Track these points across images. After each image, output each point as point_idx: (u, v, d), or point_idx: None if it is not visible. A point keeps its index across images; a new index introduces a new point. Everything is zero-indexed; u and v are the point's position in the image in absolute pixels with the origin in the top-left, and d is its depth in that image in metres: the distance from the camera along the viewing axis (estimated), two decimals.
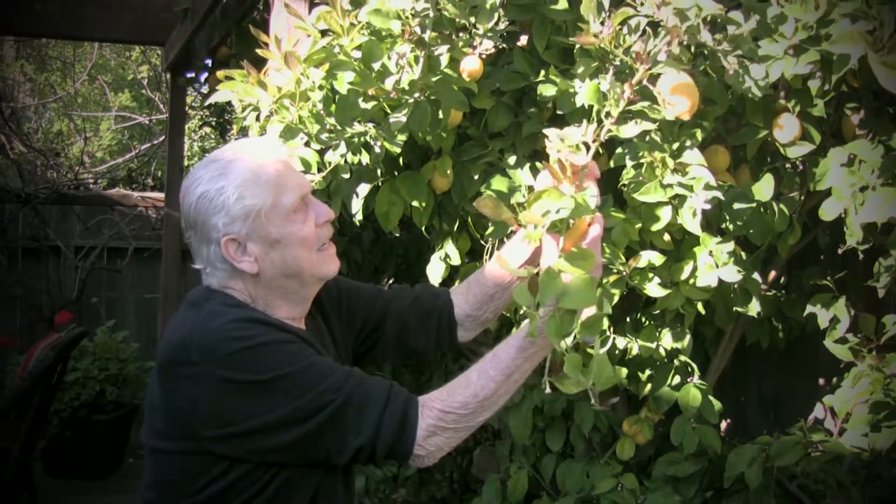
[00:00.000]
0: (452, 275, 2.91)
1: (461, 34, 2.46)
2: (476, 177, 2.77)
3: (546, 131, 1.83)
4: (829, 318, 2.86)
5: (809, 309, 2.90)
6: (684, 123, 2.40)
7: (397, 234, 3.75)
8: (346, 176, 2.65)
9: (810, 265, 3.16)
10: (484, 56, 2.52)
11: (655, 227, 2.55)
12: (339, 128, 2.47)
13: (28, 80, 10.76)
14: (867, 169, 2.43)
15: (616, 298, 2.62)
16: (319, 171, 2.54)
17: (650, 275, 2.63)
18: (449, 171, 2.77)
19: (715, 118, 2.58)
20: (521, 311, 2.78)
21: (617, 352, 2.78)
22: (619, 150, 2.47)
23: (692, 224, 2.47)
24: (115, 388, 5.84)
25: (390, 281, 3.93)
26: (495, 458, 3.37)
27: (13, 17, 5.67)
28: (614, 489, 2.79)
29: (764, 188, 2.60)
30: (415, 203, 2.75)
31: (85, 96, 11.39)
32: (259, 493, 1.74)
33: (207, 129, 9.83)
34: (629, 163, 2.46)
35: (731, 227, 2.62)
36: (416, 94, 2.43)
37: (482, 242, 2.81)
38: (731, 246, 2.61)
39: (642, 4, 2.12)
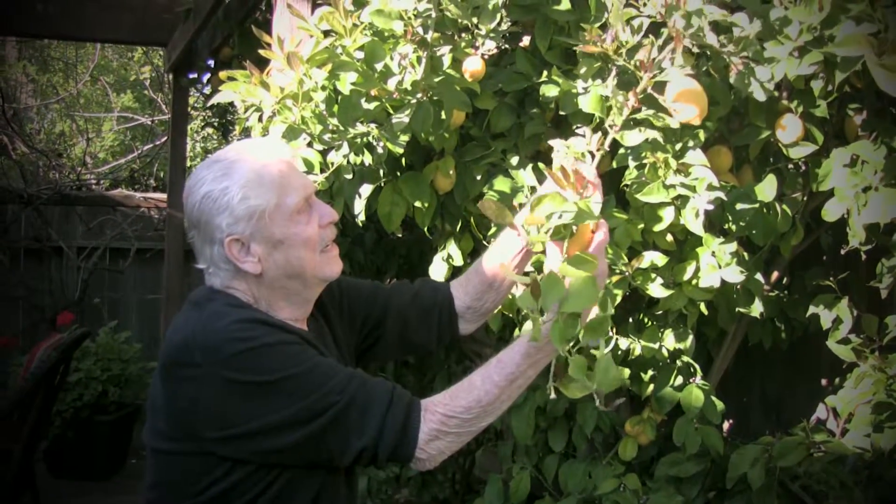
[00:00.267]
0: (455, 275, 2.91)
1: (463, 35, 2.46)
2: (478, 177, 2.77)
3: (551, 142, 1.83)
4: (831, 318, 2.86)
5: (812, 309, 2.90)
6: (687, 124, 2.40)
7: (400, 235, 3.75)
8: (349, 176, 2.65)
9: (813, 266, 3.16)
10: (486, 57, 2.52)
11: (658, 228, 2.55)
12: (341, 128, 2.48)
13: (30, 80, 10.77)
14: (870, 170, 2.43)
15: (619, 299, 2.62)
16: (322, 171, 2.54)
17: (653, 275, 2.63)
18: (451, 172, 2.77)
19: (718, 119, 2.58)
20: (524, 312, 2.78)
21: (619, 352, 2.78)
22: (621, 150, 2.47)
23: (695, 225, 2.47)
24: (118, 389, 5.84)
25: (392, 281, 3.93)
26: (497, 459, 3.36)
27: (15, 18, 5.67)
28: (617, 489, 2.79)
29: (767, 189, 2.60)
30: (417, 203, 2.75)
31: (87, 97, 11.39)
32: (261, 495, 1.74)
33: (210, 130, 9.84)
34: (632, 163, 2.46)
35: (733, 227, 2.62)
36: (419, 95, 2.43)
37: (484, 243, 2.81)
38: (733, 246, 2.61)
39: (644, 5, 2.12)
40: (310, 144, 2.52)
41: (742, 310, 2.76)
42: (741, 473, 2.69)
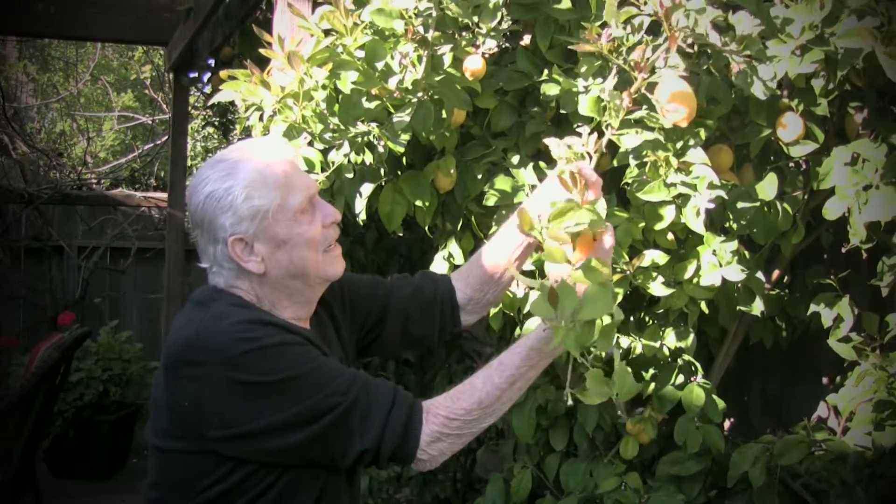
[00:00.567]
0: None
1: (464, 33, 2.47)
2: (479, 176, 2.77)
3: (546, 140, 1.84)
4: (832, 316, 2.86)
5: (813, 308, 2.90)
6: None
7: (401, 234, 3.76)
8: (350, 175, 2.65)
9: (814, 264, 3.16)
10: (487, 55, 2.52)
11: (659, 227, 2.55)
12: (342, 127, 2.48)
13: (31, 80, 10.76)
14: (870, 168, 2.43)
15: (620, 298, 2.62)
16: (323, 170, 2.54)
17: (654, 274, 2.64)
18: (452, 171, 2.77)
19: (718, 117, 2.58)
20: (525, 311, 2.78)
21: (620, 351, 2.78)
22: (622, 149, 2.47)
23: (696, 223, 2.47)
24: (119, 389, 5.84)
25: (398, 275, 3.92)
26: (499, 458, 3.37)
27: (15, 18, 5.67)
28: (618, 488, 2.79)
29: (767, 187, 2.60)
30: (418, 202, 2.75)
31: (87, 96, 11.39)
32: (263, 494, 1.74)
33: (210, 130, 9.83)
34: (633, 162, 2.46)
35: (734, 226, 2.62)
36: (420, 94, 2.43)
37: (485, 242, 2.81)
38: (734, 245, 2.61)
39: (645, 3, 2.12)
40: (311, 143, 2.52)
41: (743, 308, 2.77)
42: (742, 472, 2.69)
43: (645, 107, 2.24)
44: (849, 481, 2.65)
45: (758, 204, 2.60)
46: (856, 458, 2.73)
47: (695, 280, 2.64)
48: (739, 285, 2.72)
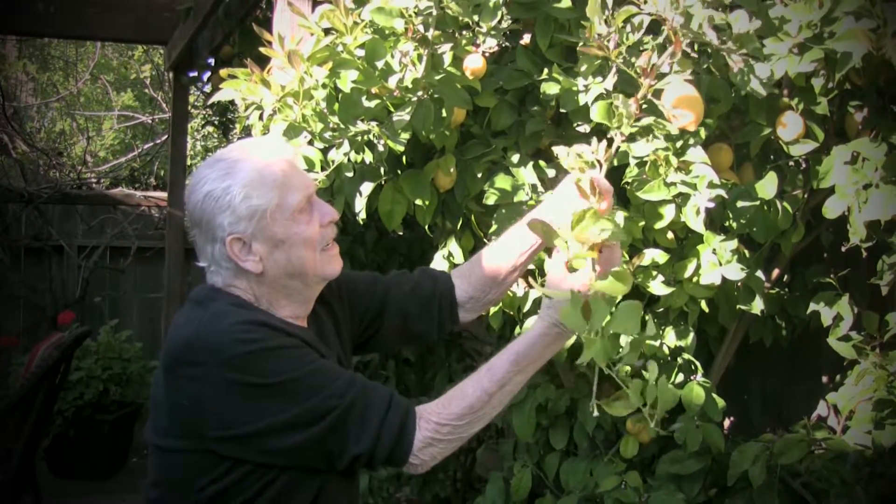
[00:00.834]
0: None
1: (464, 32, 2.46)
2: (479, 175, 2.77)
3: (556, 149, 1.85)
4: (832, 315, 2.86)
5: (813, 307, 2.90)
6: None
7: (400, 233, 3.76)
8: (350, 174, 2.65)
9: (814, 263, 3.16)
10: (487, 54, 2.52)
11: (659, 226, 2.55)
12: (342, 126, 2.48)
13: (30, 79, 10.76)
14: (870, 167, 2.43)
15: (620, 297, 2.62)
16: (323, 169, 2.54)
17: (654, 273, 2.64)
18: (452, 170, 2.77)
19: (718, 116, 2.59)
20: (525, 310, 2.79)
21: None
22: (631, 155, 2.47)
23: (695, 222, 2.48)
24: (119, 388, 5.84)
25: (397, 272, 3.92)
26: (499, 457, 3.37)
27: (15, 17, 5.67)
28: (618, 487, 2.79)
29: (767, 186, 2.60)
30: (418, 201, 2.75)
31: (87, 96, 11.38)
32: (261, 493, 1.75)
33: (210, 129, 9.82)
34: (632, 161, 2.46)
35: (734, 225, 2.62)
36: (420, 93, 2.43)
37: (485, 241, 2.81)
38: (734, 244, 2.61)
39: (645, 2, 2.12)
40: (310, 142, 2.52)
41: (743, 307, 2.77)
42: (742, 471, 2.69)
43: (647, 116, 2.24)
44: (849, 480, 2.65)
45: (758, 203, 2.60)
46: (856, 456, 2.73)
47: (695, 279, 2.64)
48: (739, 284, 2.72)
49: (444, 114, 2.53)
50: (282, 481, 1.76)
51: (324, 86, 2.44)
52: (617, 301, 1.63)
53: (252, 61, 2.43)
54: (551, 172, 2.72)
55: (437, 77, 2.41)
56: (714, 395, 2.81)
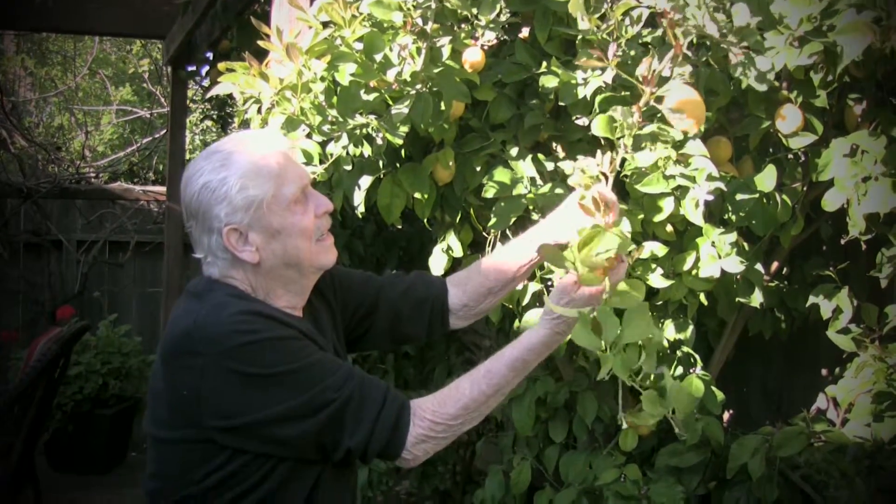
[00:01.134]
0: (455, 266, 2.91)
1: (463, 25, 2.46)
2: (478, 168, 2.77)
3: (561, 164, 1.86)
4: (831, 308, 2.86)
5: (812, 299, 2.90)
6: None
7: (399, 227, 3.75)
8: (349, 168, 2.65)
9: (813, 256, 3.16)
10: (486, 47, 2.51)
11: (658, 218, 2.55)
12: (340, 119, 2.47)
13: (29, 74, 10.73)
14: (870, 159, 2.43)
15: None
16: (321, 162, 2.53)
17: (653, 266, 2.64)
18: (451, 163, 2.76)
19: (717, 109, 2.58)
20: (524, 303, 2.78)
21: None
22: (636, 164, 2.47)
23: (695, 215, 2.47)
24: (118, 382, 5.83)
25: (392, 272, 3.93)
26: (498, 450, 3.37)
27: (13, 12, 5.66)
28: (617, 480, 2.79)
29: (766, 179, 2.60)
30: (417, 195, 2.75)
31: (86, 90, 11.37)
32: (260, 483, 1.76)
33: (209, 123, 9.80)
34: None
35: (733, 217, 2.62)
36: (418, 86, 2.42)
37: (484, 234, 2.81)
38: (733, 237, 2.61)
39: None
40: (309, 136, 2.52)
41: (742, 300, 2.77)
42: (741, 464, 2.69)
43: (657, 118, 2.24)
44: (848, 473, 2.65)
45: (757, 196, 2.60)
46: (855, 449, 2.73)
47: (694, 272, 2.64)
48: (738, 277, 2.72)
49: (443, 107, 2.52)
50: (280, 472, 1.77)
51: (322, 79, 2.44)
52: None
53: (250, 55, 2.42)
54: (550, 166, 2.72)
55: (436, 70, 2.41)
56: (713, 388, 2.81)
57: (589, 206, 1.78)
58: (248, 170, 1.76)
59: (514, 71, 2.68)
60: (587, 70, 2.47)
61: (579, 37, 2.43)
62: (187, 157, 6.76)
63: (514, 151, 2.72)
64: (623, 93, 2.46)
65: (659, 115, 2.06)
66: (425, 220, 2.85)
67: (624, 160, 1.99)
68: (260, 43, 2.40)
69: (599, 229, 1.68)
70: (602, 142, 2.49)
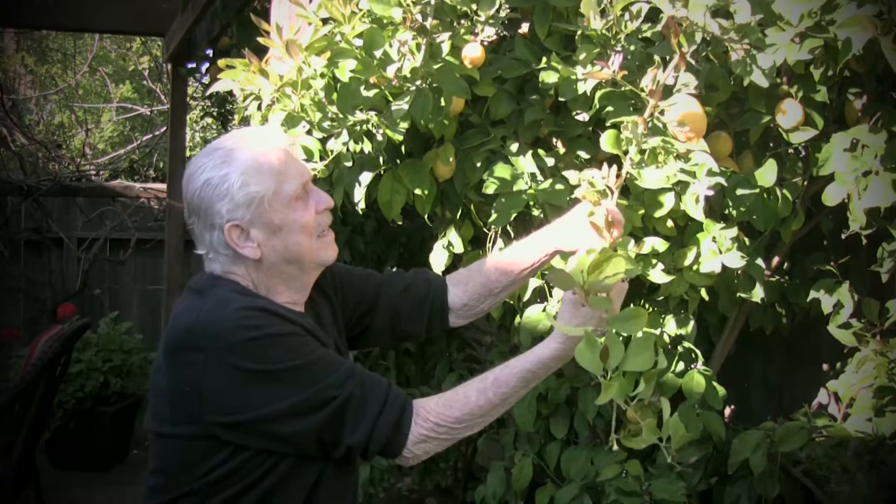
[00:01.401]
0: (455, 263, 2.91)
1: (463, 21, 2.46)
2: (478, 164, 2.77)
3: (566, 173, 1.86)
4: (832, 303, 2.86)
5: (813, 294, 2.90)
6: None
7: (400, 223, 3.75)
8: (349, 164, 2.65)
9: (814, 250, 3.16)
10: (486, 43, 2.51)
11: (659, 214, 2.55)
12: (340, 116, 2.47)
13: (29, 71, 10.72)
14: (870, 154, 2.43)
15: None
16: (322, 159, 2.53)
17: (654, 261, 2.64)
18: (451, 159, 2.76)
19: (717, 104, 2.58)
20: (525, 299, 2.78)
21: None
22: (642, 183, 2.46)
23: (695, 210, 2.47)
24: (119, 380, 5.83)
25: (393, 270, 3.93)
26: (499, 446, 3.37)
27: (13, 9, 5.66)
28: (619, 476, 2.79)
29: (767, 174, 2.60)
30: (417, 191, 2.75)
31: (86, 88, 11.36)
32: (262, 479, 1.76)
33: (209, 120, 9.81)
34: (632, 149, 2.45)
35: (734, 213, 2.62)
36: (418, 82, 2.42)
37: (485, 230, 2.81)
38: (734, 232, 2.61)
39: None
40: (309, 132, 2.52)
41: (743, 295, 2.77)
42: (743, 459, 2.69)
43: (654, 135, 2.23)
44: (850, 468, 2.66)
45: (757, 191, 2.60)
46: (857, 444, 2.73)
47: (695, 267, 2.64)
48: (739, 272, 2.72)
49: (443, 103, 2.52)
50: (281, 468, 1.77)
51: (322, 75, 2.44)
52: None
53: (250, 52, 2.42)
54: (550, 161, 2.72)
55: (436, 66, 2.41)
56: (714, 384, 2.81)
57: (599, 225, 1.81)
58: (249, 166, 1.76)
59: (514, 67, 2.68)
60: (587, 66, 2.47)
61: (579, 32, 2.43)
62: (188, 154, 6.76)
63: (514, 147, 2.72)
64: (624, 89, 2.45)
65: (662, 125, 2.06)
66: (426, 217, 2.85)
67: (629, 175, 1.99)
68: (260, 40, 2.39)
69: (609, 253, 1.68)
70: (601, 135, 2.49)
